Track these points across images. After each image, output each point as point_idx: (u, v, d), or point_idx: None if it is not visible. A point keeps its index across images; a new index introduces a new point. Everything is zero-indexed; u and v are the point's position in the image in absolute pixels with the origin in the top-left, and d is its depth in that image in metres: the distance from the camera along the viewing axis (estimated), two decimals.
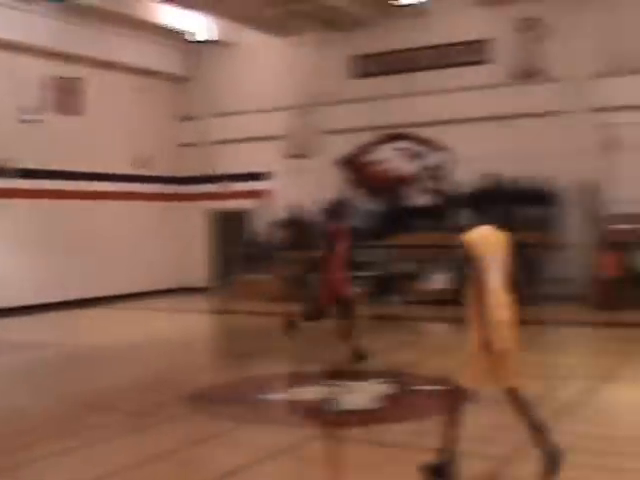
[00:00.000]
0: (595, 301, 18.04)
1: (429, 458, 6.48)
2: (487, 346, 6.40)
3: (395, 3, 21.62)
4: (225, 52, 25.21)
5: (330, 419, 9.06)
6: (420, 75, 22.51)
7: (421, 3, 21.65)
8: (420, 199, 22.50)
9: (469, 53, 22.31)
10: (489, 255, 6.53)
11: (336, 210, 13.83)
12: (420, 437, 8.12)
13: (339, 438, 8.20)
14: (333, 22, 22.88)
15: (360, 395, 10.00)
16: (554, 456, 6.34)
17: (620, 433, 7.90)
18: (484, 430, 7.88)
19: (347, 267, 12.53)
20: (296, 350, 13.54)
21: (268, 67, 24.41)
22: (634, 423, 8.15)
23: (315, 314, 12.67)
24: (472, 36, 22.09)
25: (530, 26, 21.46)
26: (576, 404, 8.26)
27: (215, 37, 24.67)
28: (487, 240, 6.64)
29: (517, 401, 6.62)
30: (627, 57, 19.95)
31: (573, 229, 20.00)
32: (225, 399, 10.20)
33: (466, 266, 6.51)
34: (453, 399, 6.62)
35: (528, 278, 18.87)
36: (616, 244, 18.50)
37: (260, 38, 23.96)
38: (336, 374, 11.54)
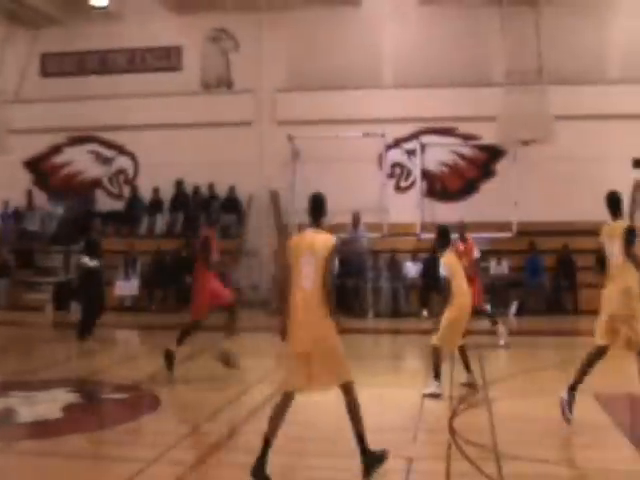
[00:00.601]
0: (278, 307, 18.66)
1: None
2: (290, 347, 6.62)
3: (88, 4, 21.28)
4: None
5: (8, 432, 8.69)
6: (112, 78, 22.37)
7: (115, 5, 21.47)
8: (108, 203, 22.27)
9: (162, 59, 22.46)
10: (300, 257, 6.66)
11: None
12: (101, 446, 8.09)
13: (17, 451, 7.88)
14: (20, 17, 22.04)
15: (42, 405, 9.69)
16: None
17: (312, 434, 8.27)
18: (172, 437, 7.97)
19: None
20: None
21: None
22: (323, 424, 8.56)
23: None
24: (165, 42, 22.29)
25: (221, 37, 21.98)
26: (264, 408, 8.49)
27: None
28: (301, 243, 6.77)
29: (350, 398, 6.66)
30: (310, 75, 21.01)
31: (258, 237, 20.73)
32: None
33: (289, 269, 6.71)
34: (280, 401, 6.65)
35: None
36: None
37: None
38: (17, 384, 11.10)
